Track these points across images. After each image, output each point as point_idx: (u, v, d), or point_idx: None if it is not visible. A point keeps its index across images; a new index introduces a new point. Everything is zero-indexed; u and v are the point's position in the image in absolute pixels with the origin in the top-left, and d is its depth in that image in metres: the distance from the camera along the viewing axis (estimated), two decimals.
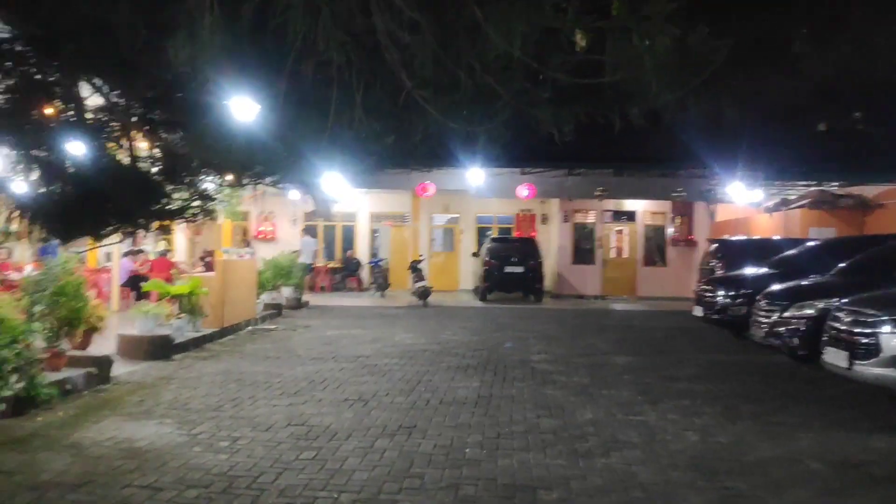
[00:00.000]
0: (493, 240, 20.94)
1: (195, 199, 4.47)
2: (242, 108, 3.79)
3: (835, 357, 7.00)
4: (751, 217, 23.01)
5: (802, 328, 8.76)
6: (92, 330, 7.68)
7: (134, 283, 15.85)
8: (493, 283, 19.59)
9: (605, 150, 23.34)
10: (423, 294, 18.32)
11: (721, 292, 11.90)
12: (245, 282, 13.15)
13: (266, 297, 15.42)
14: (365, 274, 23.47)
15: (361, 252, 24.12)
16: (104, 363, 7.64)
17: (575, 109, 3.38)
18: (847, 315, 6.97)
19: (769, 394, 7.90)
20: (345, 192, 20.60)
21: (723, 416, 6.80)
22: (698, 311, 12.47)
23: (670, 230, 22.73)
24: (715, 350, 11.19)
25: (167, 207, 4.25)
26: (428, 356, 10.12)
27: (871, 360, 6.50)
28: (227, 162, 4.29)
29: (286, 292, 16.94)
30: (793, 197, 20.78)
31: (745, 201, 20.33)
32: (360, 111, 3.41)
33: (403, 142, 4.36)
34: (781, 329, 9.10)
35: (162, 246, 22.63)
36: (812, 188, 20.09)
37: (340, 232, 24.59)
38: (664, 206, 22.59)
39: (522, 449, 5.58)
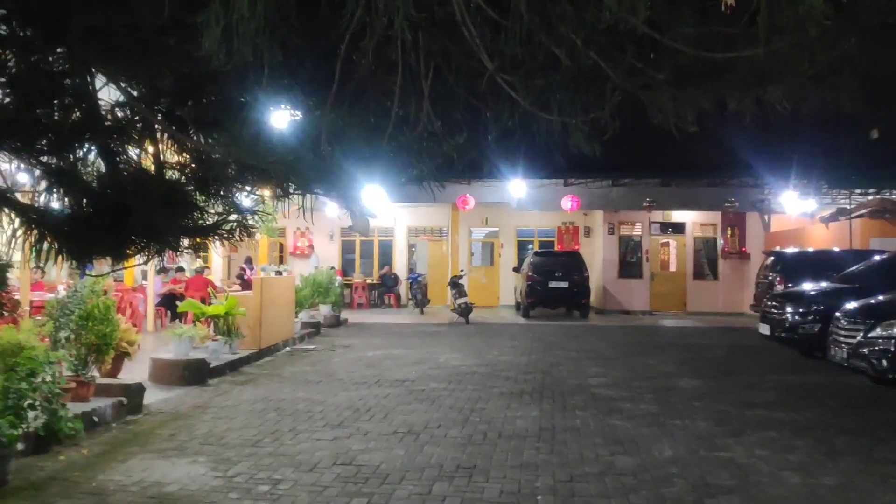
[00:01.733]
0: (536, 254, 20.21)
1: (231, 213, 3.88)
2: (286, 104, 3.23)
3: None
4: (806, 228, 21.97)
5: (893, 349, 7.91)
6: (122, 356, 7.16)
7: (170, 303, 15.47)
8: (537, 298, 18.86)
9: (651, 159, 22.54)
10: (465, 311, 17.66)
11: (790, 309, 11.04)
12: (283, 300, 12.63)
13: (304, 316, 14.92)
14: (403, 290, 22.90)
15: (399, 267, 23.58)
16: (135, 391, 7.12)
17: (700, 93, 2.73)
18: None
19: (863, 423, 7.07)
20: (383, 207, 20.13)
21: (818, 451, 6.02)
22: (765, 329, 11.60)
23: (721, 242, 21.77)
24: (786, 371, 10.32)
25: (199, 223, 3.68)
26: (477, 379, 9.45)
27: None
28: (271, 168, 3.69)
29: (324, 310, 16.43)
30: (850, 206, 19.71)
31: (799, 211, 19.37)
32: (429, 104, 2.80)
33: (477, 141, 3.72)
34: (866, 350, 8.24)
35: (198, 264, 22.37)
36: (871, 197, 19.04)
37: (378, 247, 24.08)
38: (714, 217, 21.66)
39: (601, 495, 4.87)
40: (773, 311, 11.55)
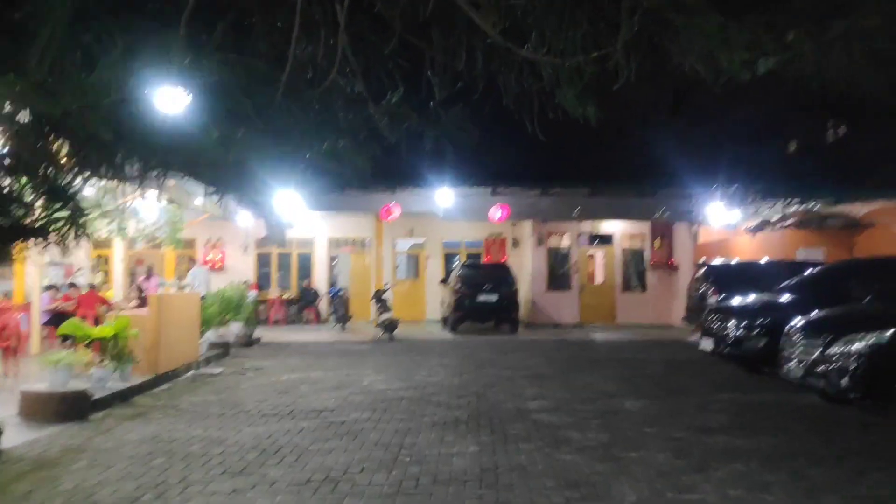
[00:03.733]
0: (464, 266, 19.37)
1: (61, 209, 2.79)
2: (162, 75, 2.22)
3: None
4: (732, 239, 21.94)
5: (854, 366, 7.34)
6: None
7: (59, 323, 13.83)
8: (465, 312, 17.99)
9: (581, 169, 22.11)
10: (390, 327, 16.61)
11: (734, 323, 10.49)
12: (185, 319, 11.31)
13: (211, 336, 13.56)
14: (323, 305, 21.65)
15: (320, 281, 22.32)
16: None
17: (759, 24, 1.87)
18: None
19: (832, 450, 6.41)
20: (300, 216, 18.88)
21: (796, 488, 5.28)
22: (707, 344, 11.03)
23: (649, 253, 21.47)
24: (733, 389, 9.71)
25: (19, 221, 2.61)
26: (405, 406, 8.44)
27: None
28: (136, 148, 2.66)
29: (235, 328, 15.08)
30: (775, 218, 19.70)
31: (724, 222, 19.23)
32: (346, 38, 1.84)
33: (415, 105, 2.75)
34: (824, 367, 7.66)
35: (98, 278, 20.55)
36: (796, 208, 19.04)
37: (296, 259, 22.76)
38: (643, 228, 21.35)
39: None
40: (716, 324, 11.00)
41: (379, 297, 17.50)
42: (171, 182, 10.92)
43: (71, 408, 7.40)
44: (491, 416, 7.91)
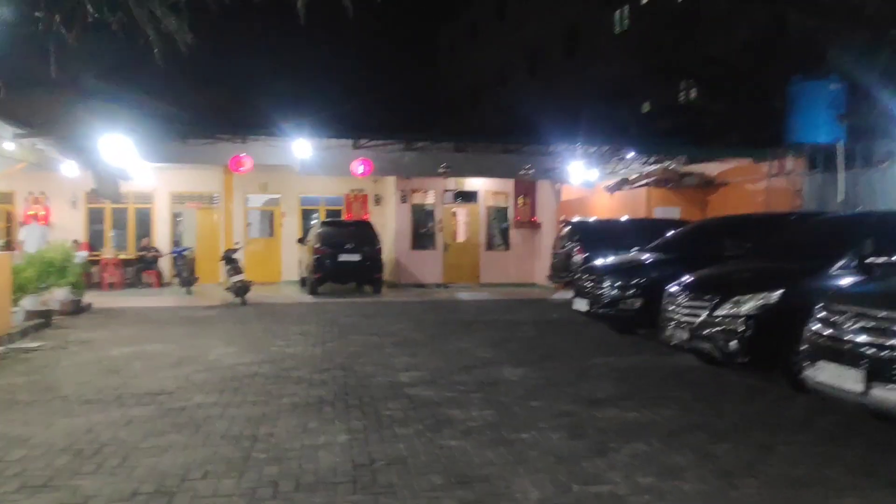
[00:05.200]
0: (324, 223, 18.16)
1: None
2: None
3: (836, 376, 5.18)
4: (591, 197, 22.09)
5: (742, 329, 7.02)
6: None
7: None
8: (325, 273, 16.86)
9: (446, 123, 21.22)
10: (241, 290, 15.20)
11: (609, 283, 10.11)
12: None
13: (30, 303, 11.66)
14: (166, 266, 19.71)
15: (161, 240, 20.28)
16: None
17: None
18: (854, 315, 5.16)
19: (729, 422, 6.00)
20: (135, 166, 16.84)
21: (707, 470, 4.75)
22: (581, 305, 10.62)
23: (513, 211, 21.15)
24: (608, 353, 9.33)
25: None
26: (260, 385, 7.33)
27: None
28: None
29: (59, 294, 13.13)
30: (633, 177, 19.89)
31: (584, 181, 19.21)
32: None
33: None
34: (711, 330, 7.32)
35: None
36: (654, 167, 19.28)
37: (134, 216, 20.54)
38: (507, 185, 20.97)
39: None
40: (589, 284, 10.60)
41: (229, 257, 15.97)
42: None
43: None
44: (360, 393, 6.98)
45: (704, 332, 7.38)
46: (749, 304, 7.05)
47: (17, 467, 4.69)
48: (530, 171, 18.74)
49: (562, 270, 15.63)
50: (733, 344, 7.06)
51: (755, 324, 6.94)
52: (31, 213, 19.36)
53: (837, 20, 15.29)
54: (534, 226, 20.83)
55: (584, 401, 6.67)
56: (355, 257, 16.80)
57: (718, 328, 7.23)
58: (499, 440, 5.40)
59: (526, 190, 20.83)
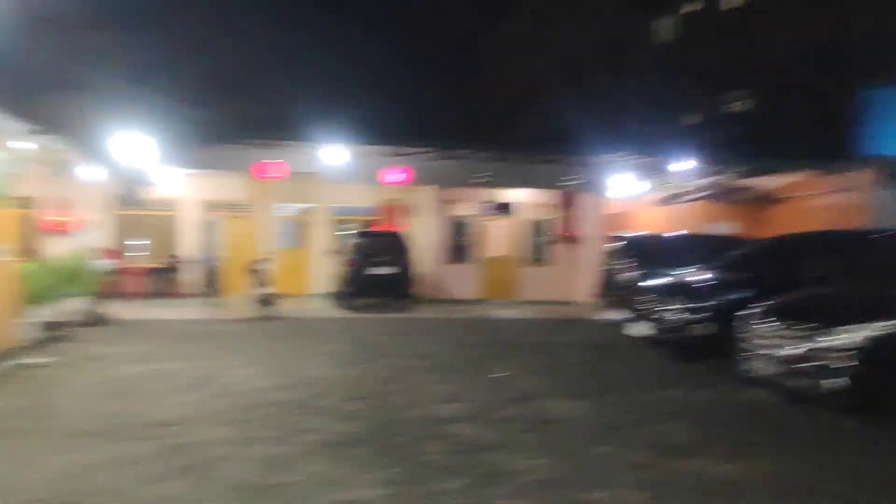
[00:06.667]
0: (356, 234, 17.27)
1: None
2: None
3: None
4: (637, 210, 20.96)
5: (849, 366, 5.93)
6: None
7: None
8: (356, 287, 15.97)
9: (485, 131, 20.38)
10: (269, 302, 14.38)
11: (674, 305, 9.05)
12: None
13: (47, 313, 10.94)
14: (192, 277, 19.00)
15: (189, 249, 19.59)
16: None
17: None
18: None
19: (854, 483, 4.93)
20: (162, 173, 16.19)
21: None
22: (642, 329, 9.57)
23: (553, 225, 20.09)
24: (672, 384, 8.24)
25: None
26: (279, 417, 6.42)
27: None
28: None
29: (79, 304, 12.43)
30: (685, 190, 18.76)
31: (631, 193, 18.16)
32: None
33: None
34: (812, 365, 6.23)
35: None
36: (707, 180, 18.14)
37: (161, 224, 19.88)
38: (548, 197, 19.93)
39: None
40: (649, 305, 9.55)
41: (256, 268, 15.16)
42: None
43: None
44: (395, 429, 6.03)
45: (799, 367, 6.31)
46: (857, 336, 5.96)
47: None
48: (573, 183, 17.71)
49: (610, 288, 14.54)
50: (837, 382, 5.98)
51: (865, 359, 5.85)
52: (57, 219, 18.81)
53: None
54: (576, 240, 19.74)
55: (659, 447, 5.64)
56: (388, 270, 15.89)
57: (817, 362, 6.15)
58: (567, 502, 4.41)
59: (568, 202, 19.77)
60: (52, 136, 11.19)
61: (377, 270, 15.74)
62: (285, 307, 15.29)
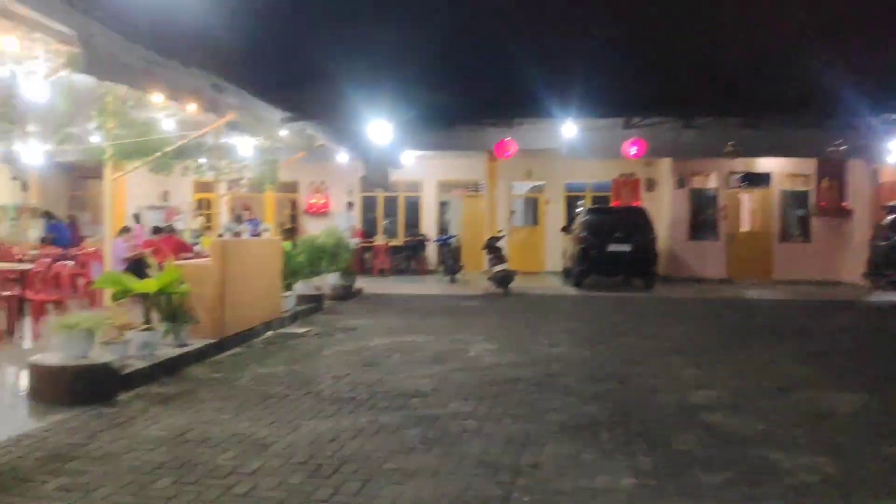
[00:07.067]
0: (591, 210, 16.81)
1: None
2: None
3: None
4: None
5: None
6: None
7: (139, 272, 12.58)
8: (592, 264, 15.54)
9: (731, 95, 18.83)
10: (504, 280, 14.48)
11: None
12: (262, 269, 9.59)
13: (303, 287, 11.89)
14: (432, 254, 19.77)
15: (428, 227, 20.41)
16: None
17: None
18: None
19: None
20: (404, 155, 16.90)
21: None
22: None
23: (814, 196, 18.05)
24: None
25: None
26: (522, 393, 6.30)
27: None
28: None
29: (331, 279, 13.40)
30: None
31: None
32: None
33: None
34: None
35: (199, 222, 19.55)
36: None
37: (403, 204, 20.91)
38: (807, 166, 17.95)
39: None
40: None
41: (492, 245, 15.34)
42: (233, 102, 9.08)
43: (88, 386, 5.73)
44: (643, 415, 5.63)
45: None
46: None
47: (248, 485, 4.07)
48: (839, 149, 15.71)
49: (885, 267, 12.74)
50: None
51: None
52: (312, 201, 20.54)
53: None
54: (842, 213, 17.57)
55: None
56: (626, 247, 15.26)
57: None
58: None
59: (832, 171, 17.63)
60: (308, 124, 12.05)
61: (613, 247, 15.18)
62: (519, 284, 15.31)
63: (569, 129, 15.29)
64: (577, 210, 18.80)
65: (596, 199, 19.77)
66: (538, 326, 10.29)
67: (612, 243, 15.19)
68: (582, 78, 13.29)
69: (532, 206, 21.24)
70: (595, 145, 16.04)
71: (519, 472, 4.31)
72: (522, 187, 21.03)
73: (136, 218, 16.56)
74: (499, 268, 14.67)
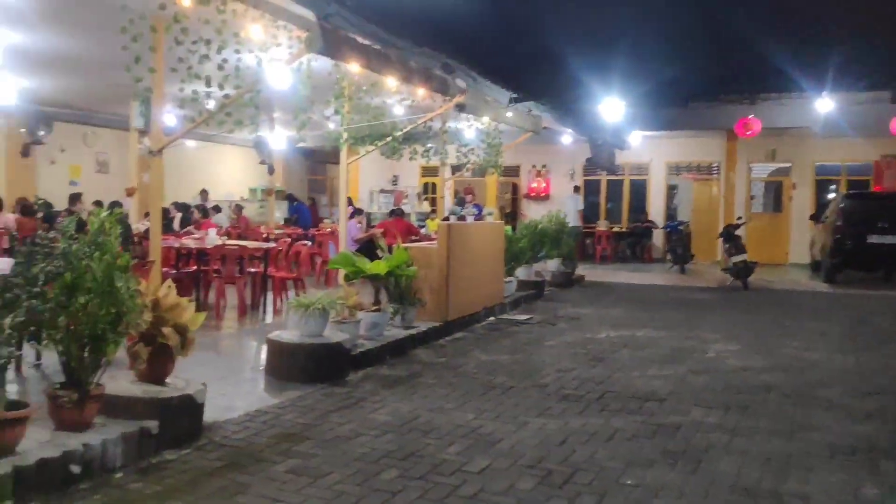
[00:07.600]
0: (847, 196, 14.86)
1: None
2: None
3: None
4: None
5: None
6: (165, 351, 4.38)
7: (370, 254, 13.11)
8: (847, 257, 13.71)
9: None
10: (743, 271, 13.21)
11: None
12: (486, 253, 9.46)
13: (522, 273, 11.65)
14: (659, 241, 18.70)
15: (655, 213, 19.33)
16: (184, 408, 4.33)
17: None
18: None
19: None
20: (632, 135, 16.06)
21: None
22: None
23: None
24: None
25: None
26: (777, 405, 5.51)
27: None
28: None
29: (551, 265, 13.04)
30: None
31: None
32: None
33: None
34: None
35: (424, 206, 20.12)
36: None
37: (628, 188, 19.99)
38: None
39: None
40: None
41: (729, 233, 14.05)
42: (462, 84, 8.96)
43: (319, 366, 5.86)
44: None
45: None
46: None
47: (475, 485, 3.83)
48: None
49: None
50: None
51: None
52: (533, 186, 20.28)
53: None
54: None
55: None
56: (891, 239, 13.26)
57: None
58: None
59: None
60: (534, 104, 11.75)
61: (875, 239, 13.26)
62: (759, 277, 13.94)
63: (824, 104, 13.58)
64: (830, 195, 16.75)
65: (852, 184, 17.48)
66: (786, 327, 9.17)
67: (874, 234, 13.27)
68: (842, 46, 11.64)
69: (775, 191, 19.30)
70: (855, 122, 14.19)
71: (781, 501, 3.66)
72: (764, 170, 19.18)
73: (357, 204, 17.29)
74: (737, 258, 13.41)
